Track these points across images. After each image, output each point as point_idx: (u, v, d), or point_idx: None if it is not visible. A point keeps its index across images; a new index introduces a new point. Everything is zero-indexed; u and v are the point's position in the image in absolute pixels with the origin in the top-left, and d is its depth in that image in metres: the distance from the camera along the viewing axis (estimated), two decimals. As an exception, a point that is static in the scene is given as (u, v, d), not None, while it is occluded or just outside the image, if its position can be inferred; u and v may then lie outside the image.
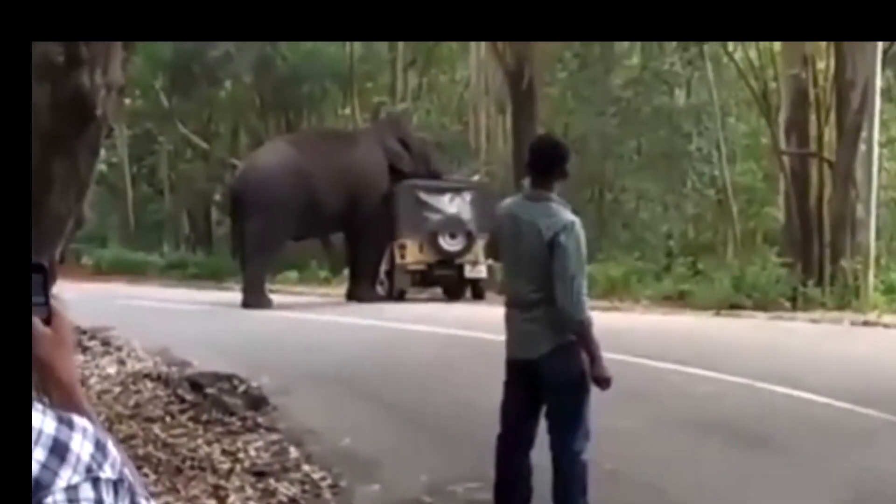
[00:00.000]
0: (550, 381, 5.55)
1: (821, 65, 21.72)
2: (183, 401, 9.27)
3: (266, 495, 6.51)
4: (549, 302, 5.47)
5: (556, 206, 5.59)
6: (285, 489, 6.63)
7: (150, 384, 10.00)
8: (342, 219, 22.64)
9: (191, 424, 8.46)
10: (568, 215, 5.57)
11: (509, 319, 5.79)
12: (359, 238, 22.84)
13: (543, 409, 5.67)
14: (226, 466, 7.13)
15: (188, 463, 7.18)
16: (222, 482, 6.71)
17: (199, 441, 7.86)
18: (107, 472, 1.35)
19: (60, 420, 1.35)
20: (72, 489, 1.31)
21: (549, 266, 5.45)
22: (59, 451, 1.32)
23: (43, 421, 1.33)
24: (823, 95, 21.63)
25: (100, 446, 1.37)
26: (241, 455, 7.49)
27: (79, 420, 1.37)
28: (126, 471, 1.40)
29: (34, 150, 5.68)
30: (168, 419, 8.61)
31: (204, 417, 8.70)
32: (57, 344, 1.54)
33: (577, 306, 5.42)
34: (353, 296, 22.51)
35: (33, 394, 1.41)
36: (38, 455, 1.30)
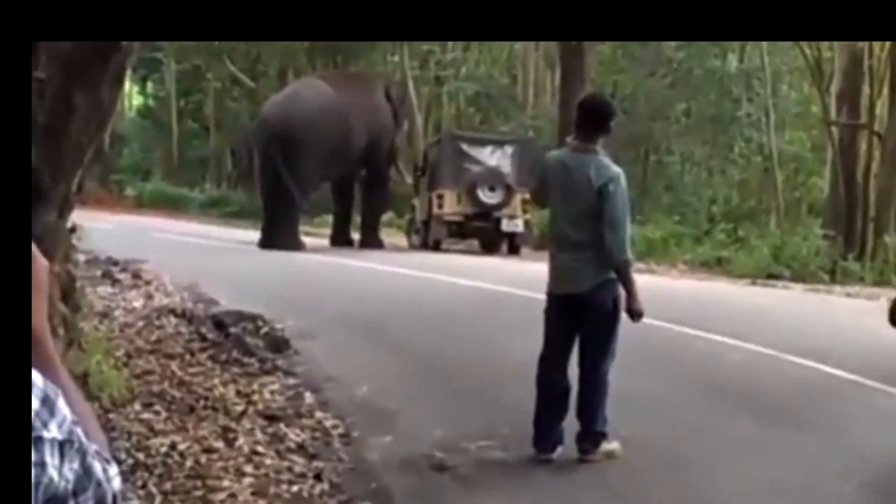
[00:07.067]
0: (591, 311, 6.28)
1: (878, 35, 21.32)
2: (204, 339, 9.21)
3: (275, 440, 6.44)
4: (593, 243, 6.18)
5: (602, 158, 6.30)
6: (295, 435, 6.56)
7: (173, 320, 9.95)
8: (357, 163, 22.43)
9: (209, 363, 8.41)
10: (615, 167, 6.31)
11: (554, 258, 6.50)
12: (372, 185, 23.02)
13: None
14: (238, 408, 7.08)
15: (202, 402, 7.15)
16: (232, 424, 6.66)
17: (216, 381, 7.82)
18: (52, 432, 1.25)
19: None
20: None
21: (597, 211, 6.17)
22: None
23: None
24: (878, 66, 21.25)
25: (47, 403, 1.26)
26: (255, 397, 7.44)
27: None
28: (78, 430, 1.28)
29: (56, 78, 5.61)
30: (187, 357, 8.56)
31: (223, 357, 8.64)
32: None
33: (622, 247, 6.19)
34: (365, 243, 22.38)
35: None
36: None
